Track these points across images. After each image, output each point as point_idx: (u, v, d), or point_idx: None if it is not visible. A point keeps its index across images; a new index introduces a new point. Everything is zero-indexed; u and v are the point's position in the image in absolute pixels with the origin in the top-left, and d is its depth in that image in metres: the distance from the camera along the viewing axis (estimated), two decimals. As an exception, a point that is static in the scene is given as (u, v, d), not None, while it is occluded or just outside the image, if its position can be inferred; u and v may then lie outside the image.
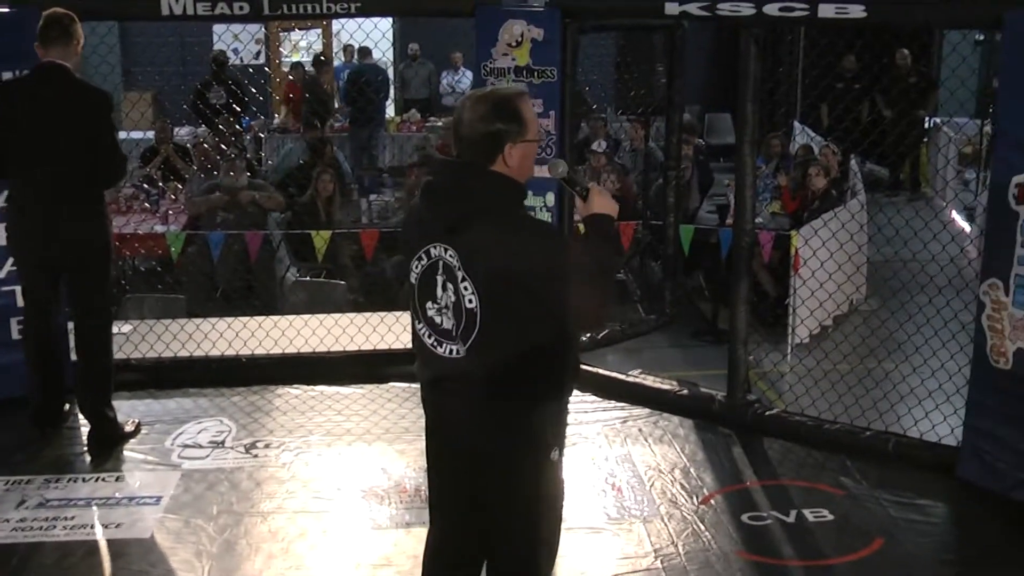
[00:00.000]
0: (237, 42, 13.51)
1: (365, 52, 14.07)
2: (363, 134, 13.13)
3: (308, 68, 14.28)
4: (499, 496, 3.18)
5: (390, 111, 15.34)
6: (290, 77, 14.44)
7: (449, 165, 3.23)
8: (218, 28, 14.44)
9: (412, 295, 3.15)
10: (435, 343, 3.11)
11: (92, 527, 4.74)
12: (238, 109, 12.13)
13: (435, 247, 3.05)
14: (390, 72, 15.66)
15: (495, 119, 3.02)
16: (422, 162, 9.25)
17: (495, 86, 3.27)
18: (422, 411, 3.29)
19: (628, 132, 11.07)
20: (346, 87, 13.75)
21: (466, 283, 2.99)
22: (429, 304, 3.09)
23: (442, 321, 3.07)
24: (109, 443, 5.54)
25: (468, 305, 2.99)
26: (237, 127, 11.67)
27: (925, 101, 12.78)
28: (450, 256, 3.02)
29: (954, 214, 10.97)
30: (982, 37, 11.90)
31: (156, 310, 7.15)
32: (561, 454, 3.23)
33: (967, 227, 10.15)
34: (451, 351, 3.08)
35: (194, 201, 8.87)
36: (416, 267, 3.11)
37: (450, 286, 3.03)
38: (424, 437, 3.35)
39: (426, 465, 3.40)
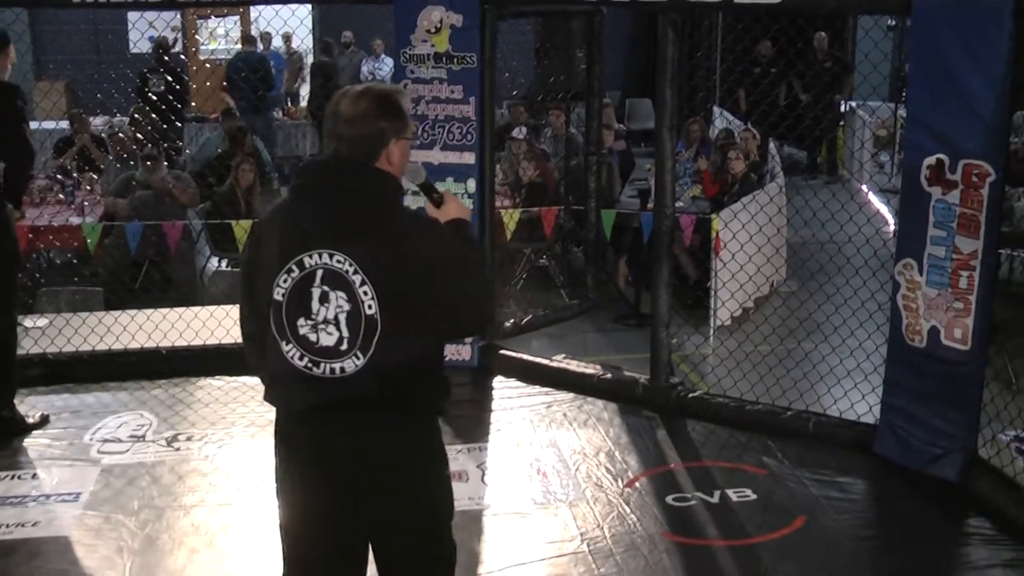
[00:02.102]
0: (152, 30, 13.23)
1: (249, 39, 13.82)
2: (256, 122, 12.91)
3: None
4: (403, 521, 2.93)
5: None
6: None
7: (329, 165, 2.92)
8: (132, 16, 14.16)
9: (277, 314, 2.86)
10: (309, 364, 2.83)
11: (7, 527, 4.64)
12: (177, 98, 11.88)
13: (313, 255, 2.82)
14: (309, 59, 15.43)
15: (379, 116, 2.87)
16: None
17: (367, 83, 3.19)
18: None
19: (549, 119, 11.08)
20: (229, 76, 13.39)
21: (365, 287, 2.79)
22: (301, 321, 2.83)
23: (319, 338, 2.82)
24: (9, 435, 5.46)
25: (368, 312, 2.79)
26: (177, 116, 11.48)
27: (840, 85, 13.00)
28: (337, 262, 2.80)
29: (870, 195, 11.17)
30: (893, 23, 12.10)
31: (73, 303, 7.01)
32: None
33: (883, 208, 10.34)
34: (333, 370, 2.82)
35: (109, 201, 8.69)
36: (284, 281, 2.85)
37: (337, 295, 2.80)
38: (285, 485, 2.96)
39: (289, 520, 2.97)
